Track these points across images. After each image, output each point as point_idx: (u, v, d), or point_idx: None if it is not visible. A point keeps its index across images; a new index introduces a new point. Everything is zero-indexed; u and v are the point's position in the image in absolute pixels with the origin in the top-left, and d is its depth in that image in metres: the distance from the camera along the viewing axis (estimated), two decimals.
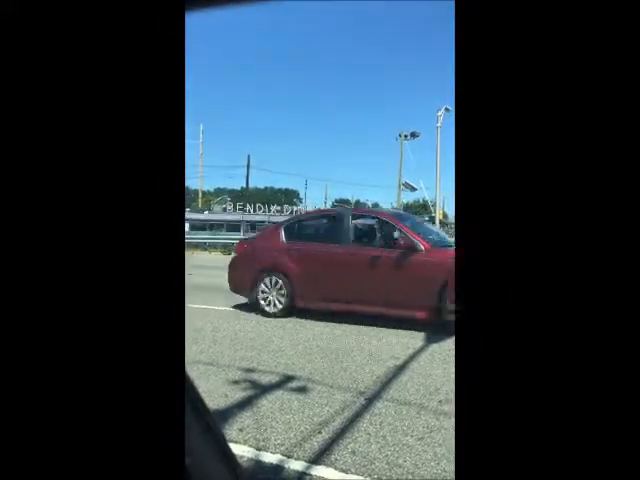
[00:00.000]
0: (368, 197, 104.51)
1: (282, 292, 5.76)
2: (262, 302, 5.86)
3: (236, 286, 6.26)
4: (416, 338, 4.74)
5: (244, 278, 6.03)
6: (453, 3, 0.50)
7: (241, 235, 31.82)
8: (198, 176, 44.76)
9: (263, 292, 5.86)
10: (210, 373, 3.56)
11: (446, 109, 26.31)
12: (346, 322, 5.46)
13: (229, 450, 0.46)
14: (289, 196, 66.24)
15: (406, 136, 29.62)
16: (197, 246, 24.19)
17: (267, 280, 5.83)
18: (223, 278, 6.65)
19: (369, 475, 2.13)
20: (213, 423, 0.44)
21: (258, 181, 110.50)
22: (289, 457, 2.30)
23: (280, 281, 5.75)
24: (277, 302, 5.81)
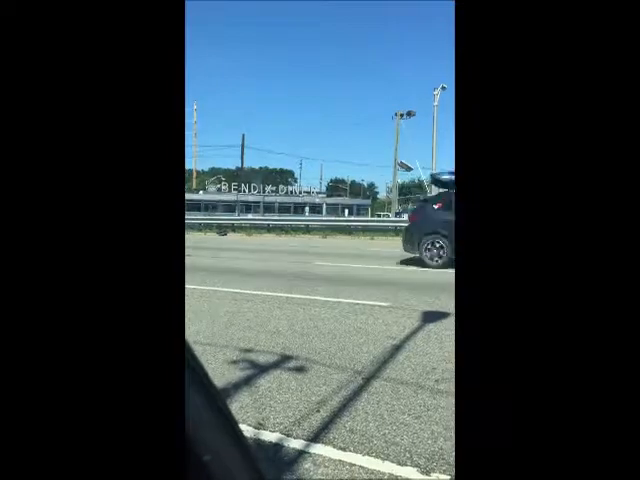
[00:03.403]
0: (364, 177, 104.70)
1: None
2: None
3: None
4: (412, 318, 4.78)
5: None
6: (453, 3, 0.51)
7: (236, 215, 31.80)
8: (192, 156, 44.51)
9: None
10: (208, 353, 3.58)
11: (443, 87, 26.12)
12: (342, 302, 5.49)
13: (250, 449, 0.45)
14: (284, 176, 66.13)
15: (402, 115, 29.45)
16: (192, 227, 24.13)
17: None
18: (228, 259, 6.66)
19: (367, 453, 2.17)
20: (231, 417, 0.43)
21: (253, 161, 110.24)
22: (288, 436, 2.32)
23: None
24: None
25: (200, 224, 24.82)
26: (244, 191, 38.86)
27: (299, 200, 40.92)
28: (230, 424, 0.43)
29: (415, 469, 2.04)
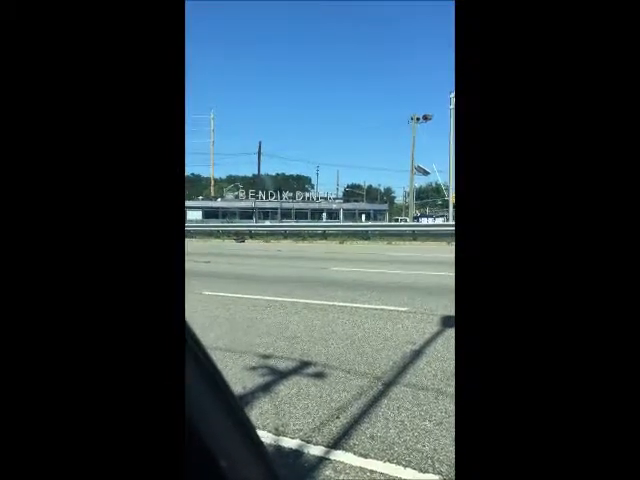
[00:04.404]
0: (380, 182, 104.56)
1: None
2: None
3: None
4: (432, 323, 4.73)
5: None
6: (453, 3, 0.51)
7: (254, 222, 32.05)
8: (210, 164, 45.02)
9: None
10: (228, 359, 3.60)
11: None
12: (360, 307, 5.47)
13: (265, 450, 0.45)
14: (301, 182, 66.40)
15: (418, 119, 29.32)
16: (211, 234, 24.39)
17: None
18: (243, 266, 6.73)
19: (388, 460, 2.14)
20: (249, 423, 0.43)
21: (269, 168, 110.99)
22: (308, 442, 2.31)
23: None
24: None
25: (218, 231, 25.06)
26: (261, 198, 39.10)
27: (316, 206, 40.98)
28: (247, 430, 0.42)
29: (437, 477, 2.01)
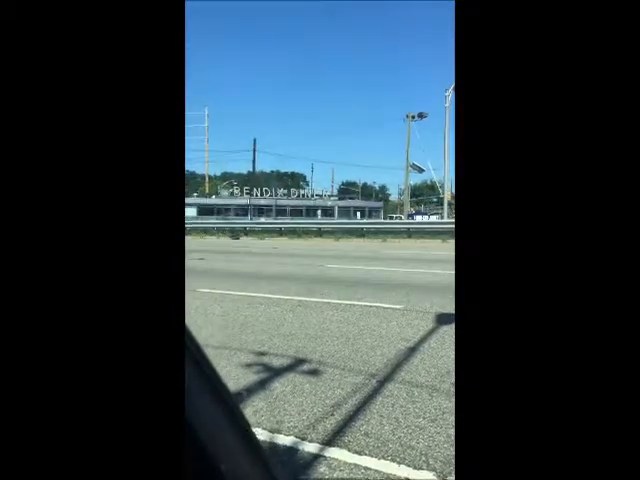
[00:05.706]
0: (375, 179, 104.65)
1: None
2: None
3: None
4: (426, 320, 4.75)
5: None
6: (453, 3, 0.51)
7: (249, 219, 32.02)
8: (204, 161, 44.87)
9: None
10: (222, 357, 3.60)
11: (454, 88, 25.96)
12: (355, 305, 5.48)
13: (263, 452, 0.45)
14: (296, 180, 66.28)
15: (413, 117, 29.33)
16: (206, 231, 24.36)
17: None
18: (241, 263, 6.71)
19: (383, 457, 2.15)
20: (246, 423, 0.43)
21: (264, 165, 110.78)
22: (303, 439, 2.32)
23: None
24: None
25: (213, 228, 25.02)
26: (256, 195, 39.02)
27: (311, 203, 40.95)
28: (243, 428, 0.43)
29: (431, 473, 2.02)
